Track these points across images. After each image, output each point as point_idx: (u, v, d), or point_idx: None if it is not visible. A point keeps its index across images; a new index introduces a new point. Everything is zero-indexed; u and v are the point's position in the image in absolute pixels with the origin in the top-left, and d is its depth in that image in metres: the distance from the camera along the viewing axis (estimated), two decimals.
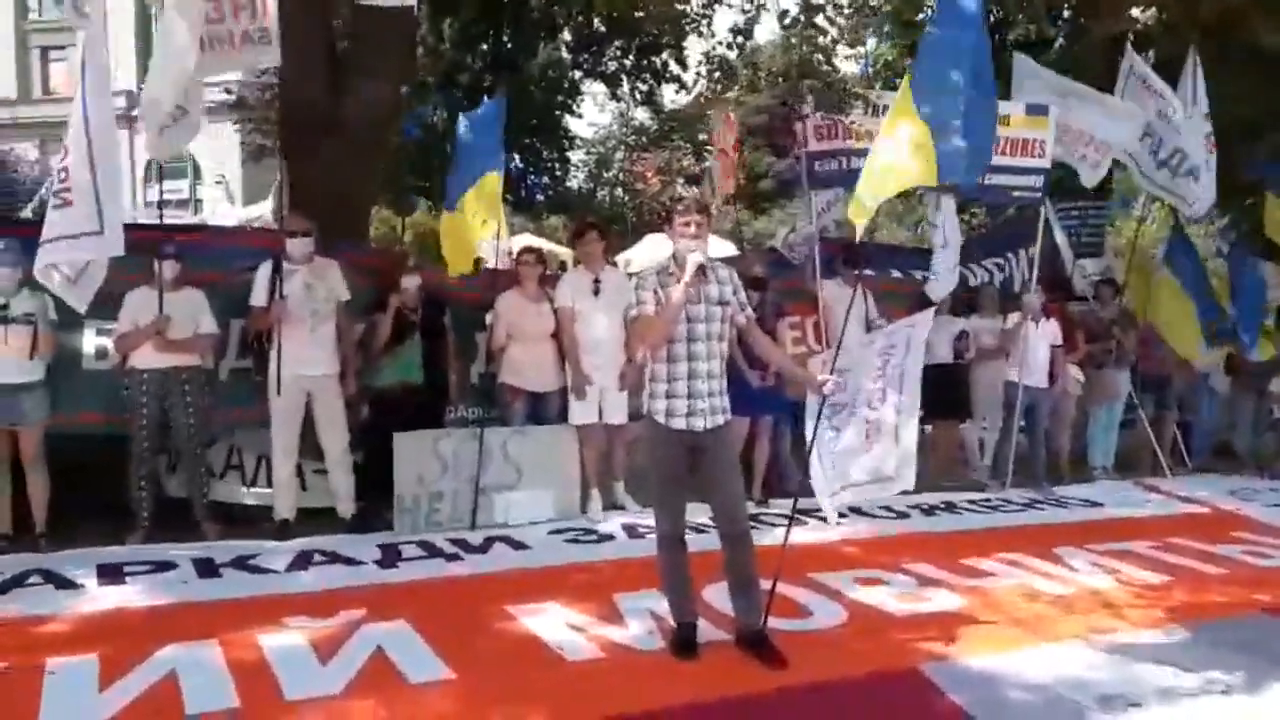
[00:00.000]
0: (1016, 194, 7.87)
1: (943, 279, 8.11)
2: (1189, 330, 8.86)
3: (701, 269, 3.96)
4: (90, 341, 5.99)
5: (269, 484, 6.23)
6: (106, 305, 5.65)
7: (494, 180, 6.40)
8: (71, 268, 5.19)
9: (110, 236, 5.01)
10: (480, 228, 6.58)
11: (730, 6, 12.34)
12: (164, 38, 5.77)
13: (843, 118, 7.62)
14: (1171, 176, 8.26)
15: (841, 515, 6.53)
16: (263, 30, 5.76)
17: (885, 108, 7.59)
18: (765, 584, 4.22)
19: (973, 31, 4.43)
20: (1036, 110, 7.47)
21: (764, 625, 4.12)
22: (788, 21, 10.18)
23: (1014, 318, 8.04)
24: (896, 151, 4.40)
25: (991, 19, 12.30)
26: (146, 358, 5.74)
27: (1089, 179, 8.47)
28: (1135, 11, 9.32)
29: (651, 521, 4.37)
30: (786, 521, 4.60)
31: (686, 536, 4.21)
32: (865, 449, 4.75)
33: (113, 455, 5.81)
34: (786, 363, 5.21)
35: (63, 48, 34.32)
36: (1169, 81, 8.47)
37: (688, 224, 4.04)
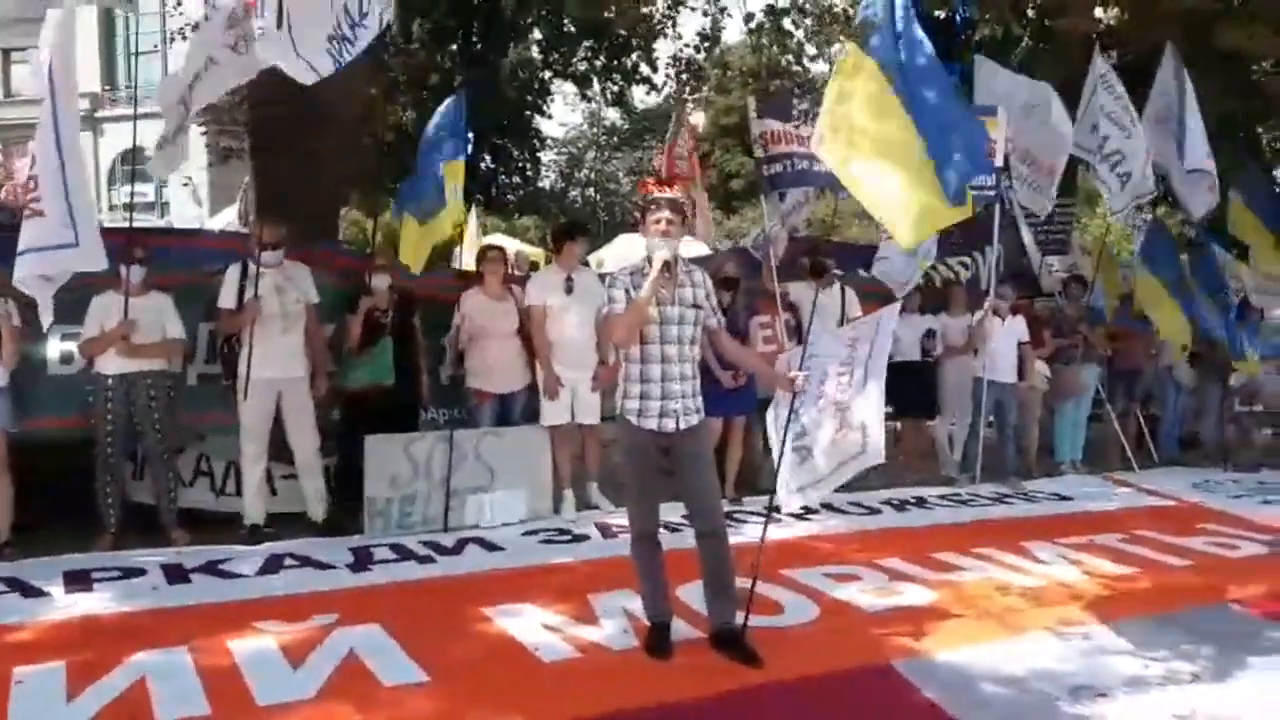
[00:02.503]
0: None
1: (894, 261, 8.24)
2: (1176, 321, 8.90)
3: (669, 266, 3.96)
4: (55, 346, 5.90)
5: (238, 492, 6.17)
6: (72, 310, 5.57)
7: (456, 169, 6.30)
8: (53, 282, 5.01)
9: (86, 248, 4.91)
10: (448, 229, 6.50)
11: (693, 10, 12.43)
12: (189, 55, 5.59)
13: (789, 126, 7.69)
14: (1109, 170, 8.39)
15: (813, 511, 6.59)
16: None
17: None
18: (740, 582, 4.22)
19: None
20: (984, 112, 7.54)
21: (745, 623, 4.13)
22: (753, 25, 10.26)
23: (981, 315, 8.13)
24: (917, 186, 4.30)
25: (956, 19, 12.42)
26: (112, 362, 5.67)
27: (1030, 201, 8.59)
28: (1099, 11, 9.46)
29: (625, 521, 4.38)
30: (762, 519, 4.62)
31: (660, 535, 4.22)
32: (838, 440, 4.77)
33: (79, 461, 5.73)
34: (758, 364, 5.24)
35: (24, 49, 33.53)
36: (1142, 80, 8.59)
37: (658, 221, 4.04)
